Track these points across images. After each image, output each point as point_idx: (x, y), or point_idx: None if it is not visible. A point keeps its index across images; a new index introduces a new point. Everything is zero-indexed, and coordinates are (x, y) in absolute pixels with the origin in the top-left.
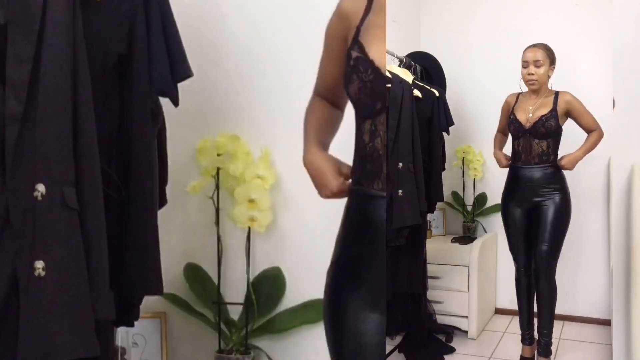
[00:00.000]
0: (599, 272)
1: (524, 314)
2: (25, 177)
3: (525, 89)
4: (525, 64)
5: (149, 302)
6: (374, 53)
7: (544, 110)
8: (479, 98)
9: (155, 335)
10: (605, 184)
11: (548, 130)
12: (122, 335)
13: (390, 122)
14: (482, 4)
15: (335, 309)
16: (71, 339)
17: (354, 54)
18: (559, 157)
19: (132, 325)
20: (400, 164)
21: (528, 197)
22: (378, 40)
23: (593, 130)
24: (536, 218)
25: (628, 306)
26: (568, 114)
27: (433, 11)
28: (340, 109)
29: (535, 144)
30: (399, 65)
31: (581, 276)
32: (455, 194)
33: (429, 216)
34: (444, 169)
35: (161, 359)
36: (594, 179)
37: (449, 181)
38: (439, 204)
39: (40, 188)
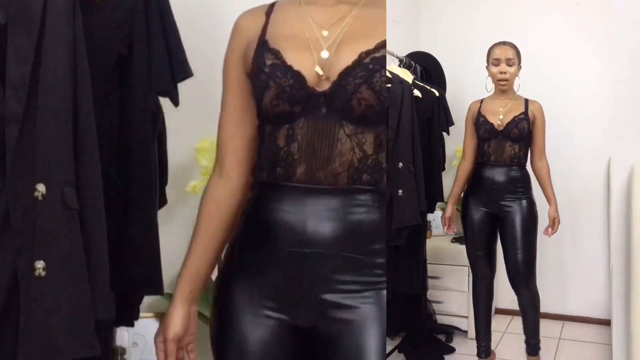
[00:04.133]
0: (599, 272)
1: (481, 325)
2: (25, 177)
3: (490, 88)
4: (496, 62)
5: (149, 302)
6: (292, 60)
7: (516, 112)
8: (479, 98)
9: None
10: (605, 184)
11: (521, 132)
12: (122, 335)
13: (390, 122)
14: (482, 4)
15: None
16: (71, 339)
17: (268, 61)
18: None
19: (132, 325)
20: (400, 164)
21: (494, 200)
22: (296, 49)
23: (541, 157)
24: (501, 223)
25: (628, 306)
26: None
27: (433, 11)
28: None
29: (507, 146)
30: (399, 65)
31: (581, 276)
32: None
33: (429, 216)
34: (444, 169)
35: None
36: (594, 179)
37: (449, 181)
38: (439, 204)
39: (41, 188)
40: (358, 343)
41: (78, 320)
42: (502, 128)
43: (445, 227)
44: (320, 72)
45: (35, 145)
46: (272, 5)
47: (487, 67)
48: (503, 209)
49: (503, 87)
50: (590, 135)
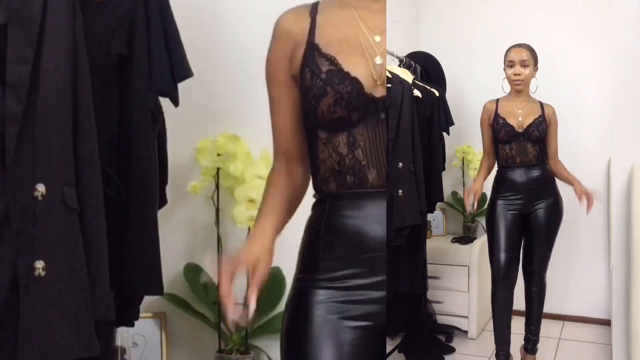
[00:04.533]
0: (599, 272)
1: (501, 330)
2: (26, 177)
3: (507, 90)
4: (511, 64)
5: (149, 302)
6: (348, 66)
7: (535, 115)
8: (479, 98)
9: (155, 335)
10: (605, 184)
11: (541, 134)
12: (122, 335)
13: (390, 122)
14: (482, 4)
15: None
16: (71, 338)
17: (324, 67)
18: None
19: (132, 325)
20: (400, 164)
21: (527, 200)
22: (351, 54)
23: (555, 160)
24: (530, 221)
25: (628, 306)
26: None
27: (433, 11)
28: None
29: (529, 147)
30: (399, 65)
31: (581, 276)
32: (455, 194)
33: (429, 216)
34: (444, 169)
35: (161, 359)
36: (594, 179)
37: (449, 181)
38: (439, 204)
39: (40, 188)
40: None
41: (78, 321)
42: (522, 130)
43: (473, 202)
44: (376, 78)
45: (35, 145)
46: (315, 6)
47: (504, 69)
48: (534, 208)
49: (518, 87)
50: (590, 135)
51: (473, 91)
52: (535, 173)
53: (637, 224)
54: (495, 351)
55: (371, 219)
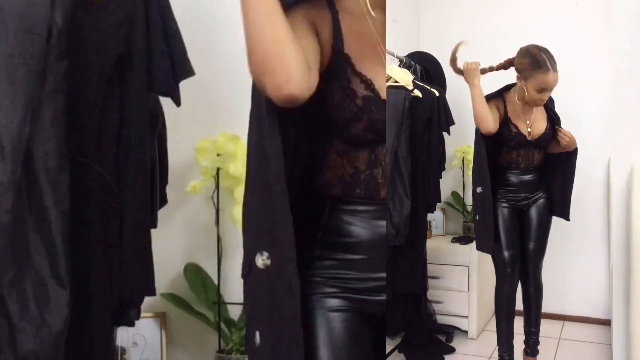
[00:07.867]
0: (599, 272)
1: (504, 332)
2: None
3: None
4: (541, 89)
5: (149, 302)
6: (382, 90)
7: (543, 123)
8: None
9: (155, 335)
10: (605, 184)
11: (548, 143)
12: (122, 335)
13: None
14: (482, 4)
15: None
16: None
17: (360, 90)
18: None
19: (132, 325)
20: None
21: (521, 199)
22: (382, 75)
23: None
24: (523, 218)
25: (628, 306)
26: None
27: (433, 11)
28: None
29: (536, 154)
30: (399, 65)
31: (581, 276)
32: (455, 194)
33: (429, 216)
34: (443, 169)
35: (161, 359)
36: (594, 179)
37: (449, 181)
38: (439, 204)
39: None
40: None
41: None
42: (533, 139)
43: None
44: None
45: None
46: (331, 3)
47: (521, 78)
48: (528, 205)
49: (537, 106)
50: (590, 135)
51: None
52: (534, 175)
53: (637, 224)
54: (498, 357)
55: (373, 225)
